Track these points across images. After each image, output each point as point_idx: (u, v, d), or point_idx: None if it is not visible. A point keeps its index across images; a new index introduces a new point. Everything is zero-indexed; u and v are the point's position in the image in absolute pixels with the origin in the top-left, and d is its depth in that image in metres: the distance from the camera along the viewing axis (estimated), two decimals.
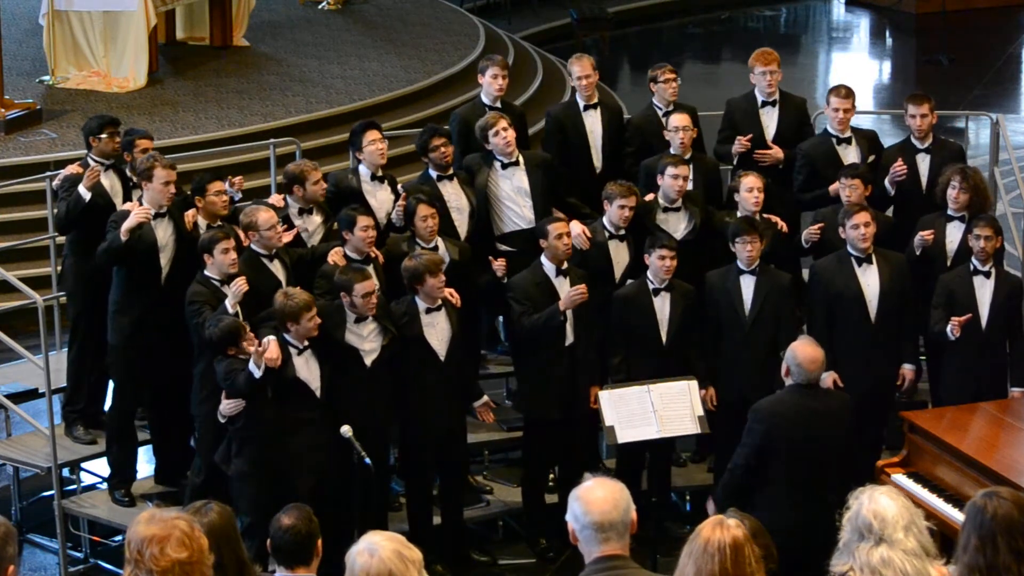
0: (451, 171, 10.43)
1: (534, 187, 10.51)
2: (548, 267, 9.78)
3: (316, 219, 10.12)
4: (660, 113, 10.96)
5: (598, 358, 9.96)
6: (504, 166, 10.51)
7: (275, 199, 10.21)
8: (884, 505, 5.49)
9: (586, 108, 11.00)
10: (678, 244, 9.86)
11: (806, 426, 8.29)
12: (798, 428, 8.29)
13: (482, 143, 10.54)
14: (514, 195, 10.52)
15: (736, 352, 9.71)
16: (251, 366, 8.72)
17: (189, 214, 9.83)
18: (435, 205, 9.91)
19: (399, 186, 10.46)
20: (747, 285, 9.79)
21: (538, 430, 9.99)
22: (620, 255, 10.15)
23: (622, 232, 10.12)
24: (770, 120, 11.05)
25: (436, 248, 9.84)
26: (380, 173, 10.35)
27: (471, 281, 10.01)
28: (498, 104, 10.96)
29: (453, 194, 10.40)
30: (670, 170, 10.25)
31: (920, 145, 10.74)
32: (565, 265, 9.77)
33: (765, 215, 10.28)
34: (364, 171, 10.34)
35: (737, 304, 9.77)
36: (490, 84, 10.96)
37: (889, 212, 10.73)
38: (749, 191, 10.17)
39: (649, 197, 10.36)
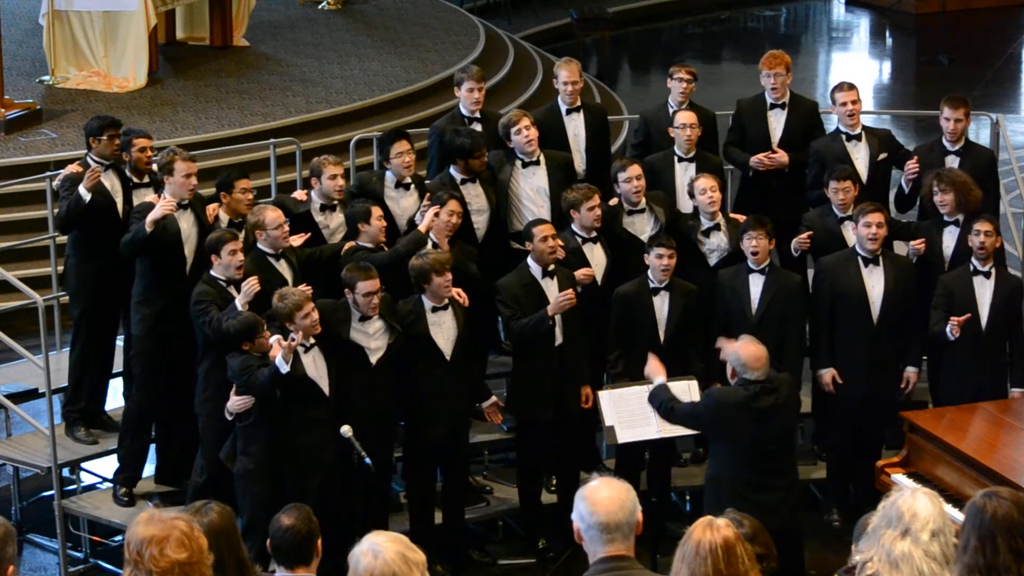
0: (475, 176, 10.40)
1: (553, 187, 10.49)
2: (535, 269, 9.77)
3: (339, 217, 10.09)
4: (671, 111, 10.96)
5: (588, 358, 9.97)
6: (525, 165, 10.50)
7: (299, 194, 10.21)
8: (921, 504, 5.50)
9: (568, 112, 10.98)
10: (674, 245, 9.85)
11: (755, 423, 8.36)
12: (747, 426, 8.38)
13: (504, 141, 10.52)
14: (533, 194, 10.51)
15: None
16: (278, 361, 8.70)
17: (211, 208, 9.84)
18: (465, 208, 9.90)
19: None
20: (755, 284, 9.81)
21: (530, 430, 10.00)
22: (597, 257, 10.12)
23: (594, 235, 10.10)
24: (777, 123, 11.03)
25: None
26: (406, 181, 10.32)
27: (481, 282, 9.99)
28: (477, 115, 10.88)
29: (475, 195, 10.38)
30: (620, 174, 10.24)
31: (951, 147, 10.69)
32: (551, 267, 9.77)
33: (732, 214, 10.27)
34: (390, 177, 10.30)
35: (744, 302, 9.79)
36: (466, 97, 10.86)
37: (914, 213, 10.77)
38: (703, 193, 10.14)
39: (613, 202, 10.36)
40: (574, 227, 10.07)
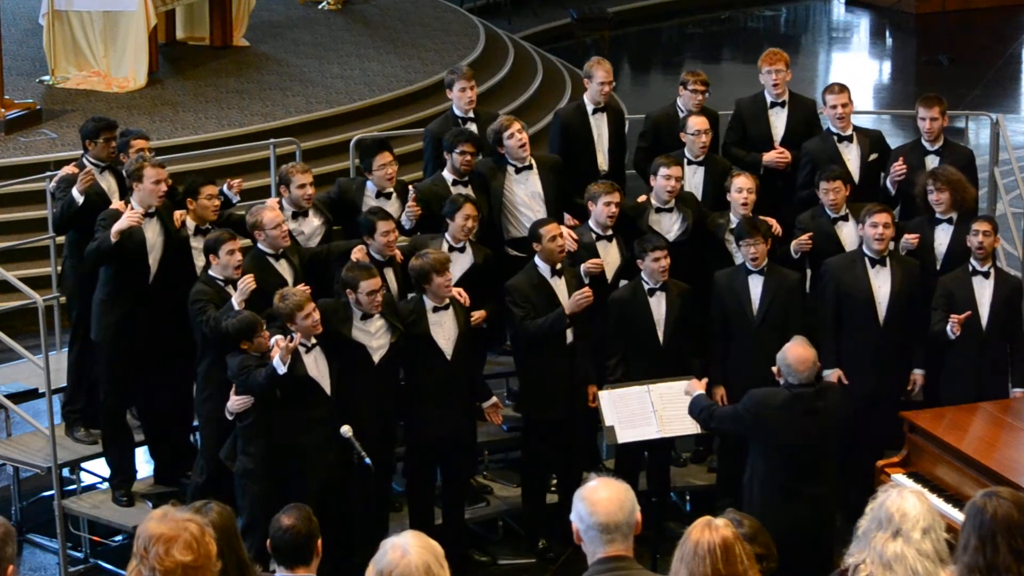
0: (466, 177, 10.39)
1: (547, 190, 10.48)
2: (543, 268, 9.77)
3: (314, 221, 10.10)
4: (681, 115, 10.93)
5: (595, 358, 9.96)
6: (518, 170, 10.47)
7: (271, 203, 10.20)
8: (910, 504, 5.51)
9: (594, 112, 10.98)
10: (668, 242, 9.86)
11: (795, 426, 8.32)
12: (787, 428, 8.34)
13: (494, 147, 10.49)
14: (529, 200, 10.47)
15: (744, 352, 9.70)
16: (275, 362, 8.68)
17: (178, 214, 9.82)
18: (480, 211, 9.89)
19: (410, 188, 10.37)
20: (755, 285, 9.80)
21: (537, 430, 10.00)
22: (610, 255, 10.14)
23: (609, 233, 10.11)
24: (778, 121, 11.03)
25: (464, 250, 9.84)
26: (388, 190, 10.29)
27: (489, 286, 9.98)
28: (470, 115, 10.84)
29: None
30: (662, 171, 10.24)
31: (930, 147, 10.69)
32: (559, 266, 9.78)
33: (763, 217, 10.27)
34: (370, 187, 10.28)
35: (745, 304, 9.77)
36: (459, 98, 10.80)
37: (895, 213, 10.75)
38: (739, 192, 10.16)
39: (641, 198, 10.37)
40: (591, 222, 10.09)
